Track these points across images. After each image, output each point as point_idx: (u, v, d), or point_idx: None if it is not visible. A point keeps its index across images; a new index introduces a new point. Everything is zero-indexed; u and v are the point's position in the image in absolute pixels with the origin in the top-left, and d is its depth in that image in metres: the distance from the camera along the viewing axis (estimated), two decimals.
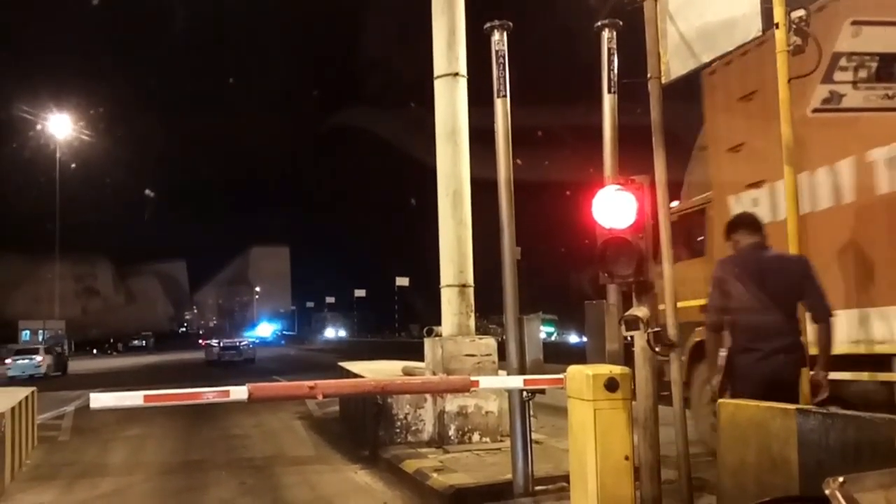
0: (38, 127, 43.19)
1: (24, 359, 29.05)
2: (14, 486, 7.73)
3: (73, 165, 44.51)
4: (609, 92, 6.05)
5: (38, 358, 29.10)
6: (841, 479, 1.02)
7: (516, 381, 6.21)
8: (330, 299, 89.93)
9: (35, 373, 28.24)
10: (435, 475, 7.13)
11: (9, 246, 45.84)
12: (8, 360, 29.28)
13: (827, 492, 0.99)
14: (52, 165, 43.01)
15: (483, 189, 9.03)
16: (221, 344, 36.62)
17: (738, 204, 6.53)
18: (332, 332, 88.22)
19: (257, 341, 49.61)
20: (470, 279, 9.14)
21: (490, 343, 9.02)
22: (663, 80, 5.63)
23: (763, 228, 4.99)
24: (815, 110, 4.89)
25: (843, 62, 4.82)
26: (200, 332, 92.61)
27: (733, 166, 6.84)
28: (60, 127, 44.63)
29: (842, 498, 0.95)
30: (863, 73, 4.84)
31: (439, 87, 9.13)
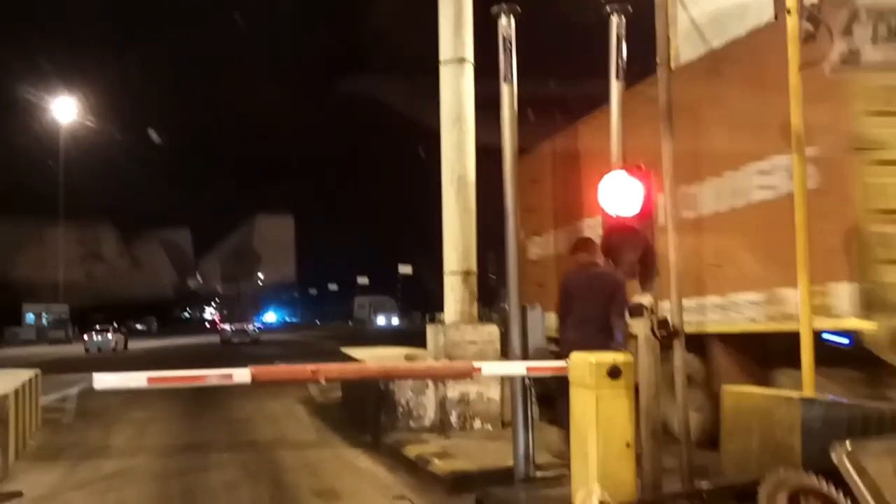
0: (41, 92, 43.08)
1: (99, 336, 35.81)
2: (18, 467, 7.77)
3: (76, 127, 44.19)
4: (617, 78, 6.01)
5: (110, 336, 36.08)
6: (848, 444, 1.00)
7: (519, 368, 6.20)
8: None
9: (107, 347, 34.90)
10: (436, 460, 7.15)
11: (12, 209, 45.34)
12: (86, 337, 36.19)
13: (834, 457, 0.98)
14: (55, 130, 42.89)
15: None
16: (233, 328, 44.60)
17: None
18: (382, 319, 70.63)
19: (262, 327, 56.96)
20: (473, 266, 9.13)
21: (493, 330, 9.01)
22: (673, 66, 5.58)
23: (597, 249, 6.01)
24: (834, 70, 4.58)
25: (862, 16, 4.59)
26: (205, 318, 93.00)
27: None
28: (65, 93, 44.62)
29: (850, 464, 0.94)
30: (882, 30, 4.61)
31: (445, 72, 9.08)
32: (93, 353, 33.29)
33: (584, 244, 6.73)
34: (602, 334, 6.10)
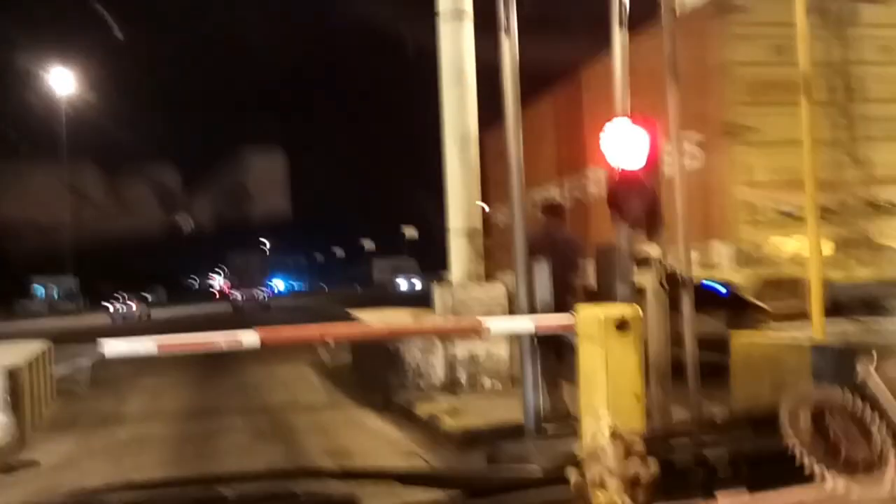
0: (28, 35, 42.42)
1: (123, 306, 37.77)
2: (35, 436, 7.87)
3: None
4: (620, 26, 5.87)
5: (134, 306, 38.01)
6: (875, 356, 0.96)
7: (527, 324, 6.19)
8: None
9: (132, 317, 36.50)
10: (446, 418, 7.20)
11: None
12: (111, 308, 38.00)
13: (860, 370, 0.94)
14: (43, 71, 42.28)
15: None
16: (244, 296, 47.10)
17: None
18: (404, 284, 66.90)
19: (272, 293, 59.37)
20: (478, 224, 9.08)
21: (499, 288, 9.00)
22: (677, 13, 5.45)
23: (563, 213, 6.91)
24: None
25: None
26: (211, 286, 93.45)
27: None
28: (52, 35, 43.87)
29: (878, 377, 0.90)
30: None
31: (444, 26, 8.92)
32: (118, 323, 34.22)
33: (556, 209, 7.35)
34: (566, 293, 6.48)
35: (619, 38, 5.84)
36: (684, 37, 5.45)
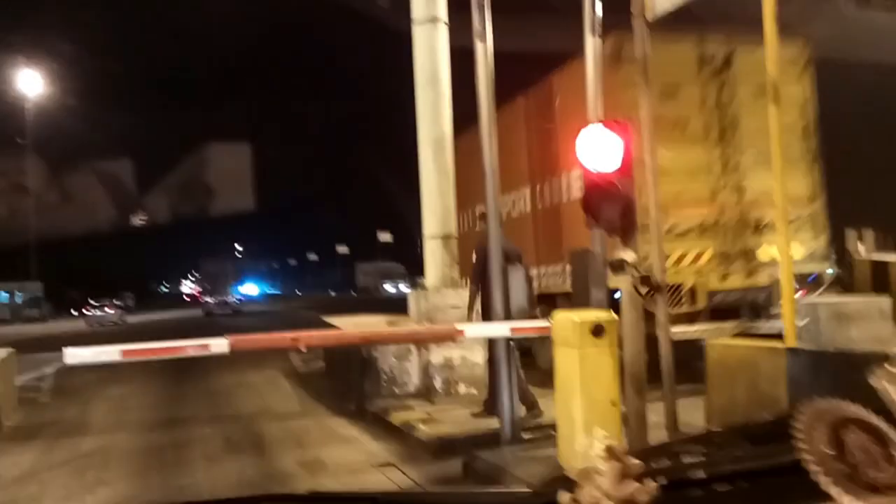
0: None
1: (100, 311, 38.21)
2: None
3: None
4: (592, 34, 5.87)
5: (111, 311, 38.58)
6: (888, 366, 0.91)
7: (502, 329, 6.15)
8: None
9: (108, 322, 36.74)
10: (422, 426, 7.11)
11: None
12: (87, 312, 38.50)
13: (874, 382, 0.89)
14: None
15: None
16: (215, 300, 48.20)
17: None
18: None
19: (243, 298, 61.27)
20: (453, 229, 9.03)
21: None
22: (649, 18, 5.46)
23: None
24: None
25: None
26: (182, 292, 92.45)
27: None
28: None
29: (891, 386, 0.85)
30: None
31: (418, 32, 8.87)
32: (96, 329, 34.32)
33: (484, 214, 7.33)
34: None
35: (591, 44, 5.84)
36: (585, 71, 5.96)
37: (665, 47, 7.24)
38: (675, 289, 8.10)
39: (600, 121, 5.31)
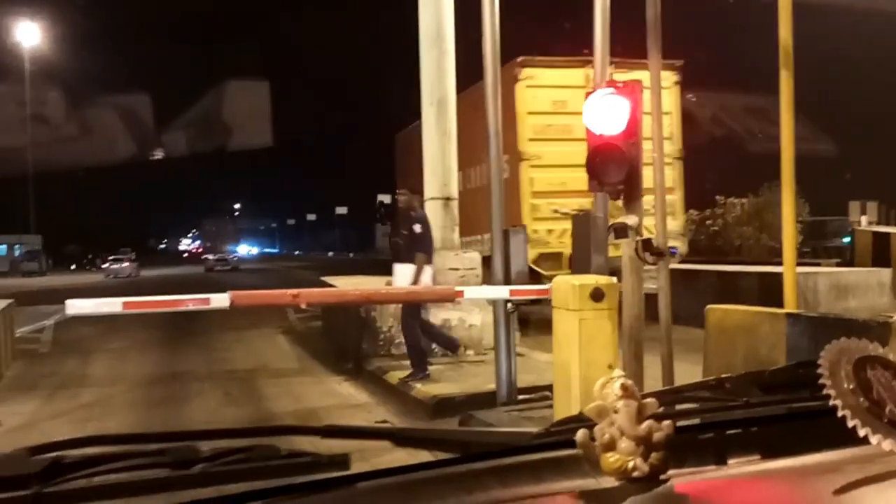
0: None
1: (115, 264, 42.16)
2: None
3: None
4: None
5: (126, 264, 42.46)
6: None
7: (501, 292, 6.16)
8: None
9: (123, 275, 40.45)
10: (419, 386, 7.16)
11: None
12: (104, 265, 43.11)
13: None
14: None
15: None
16: (215, 257, 53.77)
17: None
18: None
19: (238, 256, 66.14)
20: (454, 192, 8.98)
21: (475, 257, 8.96)
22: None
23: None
24: None
25: None
26: (180, 249, 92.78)
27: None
28: None
29: None
30: None
31: None
32: (110, 280, 37.78)
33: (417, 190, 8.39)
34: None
35: (599, 4, 5.74)
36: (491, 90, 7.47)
37: (558, 72, 11.07)
38: (554, 255, 11.33)
39: (607, 83, 5.24)
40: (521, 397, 6.41)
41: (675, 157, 11.77)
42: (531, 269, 10.42)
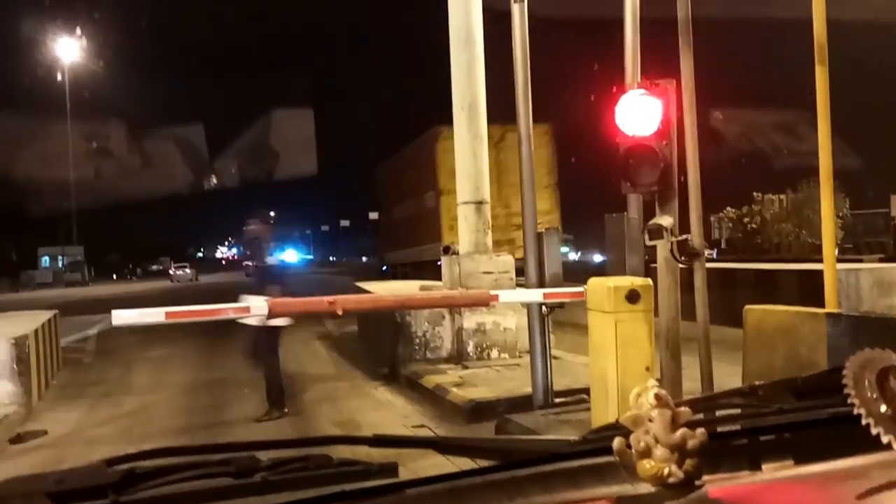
0: None
1: (180, 270, 50.55)
2: (42, 405, 7.90)
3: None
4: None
5: (188, 270, 50.80)
6: None
7: (536, 295, 6.16)
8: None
9: (185, 279, 47.81)
10: (454, 390, 7.19)
11: (16, 103, 44.08)
12: (171, 271, 51.11)
13: None
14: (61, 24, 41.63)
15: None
16: (254, 264, 60.01)
17: None
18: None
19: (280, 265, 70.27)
20: (486, 195, 9.01)
21: (508, 260, 8.97)
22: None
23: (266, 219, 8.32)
24: None
25: None
26: (217, 257, 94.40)
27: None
28: None
29: None
30: None
31: None
32: (176, 284, 44.36)
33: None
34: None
35: (630, 3, 5.73)
36: (421, 146, 17.61)
37: None
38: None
39: (639, 84, 5.22)
40: (557, 400, 6.41)
41: (553, 187, 18.38)
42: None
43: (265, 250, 7.40)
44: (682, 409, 0.80)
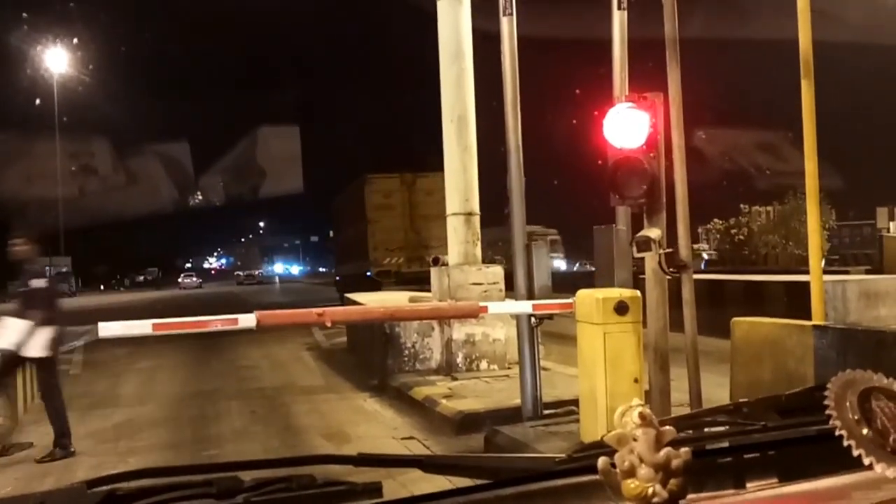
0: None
1: (188, 278, 58.62)
2: (27, 418, 7.83)
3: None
4: (619, 8, 5.81)
5: (195, 279, 59.58)
6: None
7: (525, 306, 6.17)
8: None
9: (192, 286, 54.92)
10: (444, 401, 7.18)
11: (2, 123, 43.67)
12: (179, 280, 58.35)
13: None
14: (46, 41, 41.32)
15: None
16: (244, 274, 68.15)
17: None
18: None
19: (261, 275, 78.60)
20: (476, 207, 9.03)
21: (497, 271, 8.98)
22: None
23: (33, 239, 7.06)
24: None
25: None
26: (205, 268, 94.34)
27: None
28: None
29: None
30: None
31: (442, 6, 8.82)
32: (184, 291, 50.06)
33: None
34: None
35: (618, 19, 5.78)
36: (356, 188, 23.19)
37: (385, 180, 21.54)
38: (389, 272, 21.27)
39: (627, 97, 5.26)
40: (546, 412, 6.40)
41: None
42: (372, 278, 21.13)
43: (29, 273, 6.53)
44: (667, 427, 0.81)
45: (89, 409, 8.36)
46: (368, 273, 21.33)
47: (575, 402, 5.72)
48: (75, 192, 47.60)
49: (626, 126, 5.00)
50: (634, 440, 0.78)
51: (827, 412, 0.80)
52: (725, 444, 0.90)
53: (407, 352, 8.83)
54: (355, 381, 9.28)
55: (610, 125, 5.03)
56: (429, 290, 13.98)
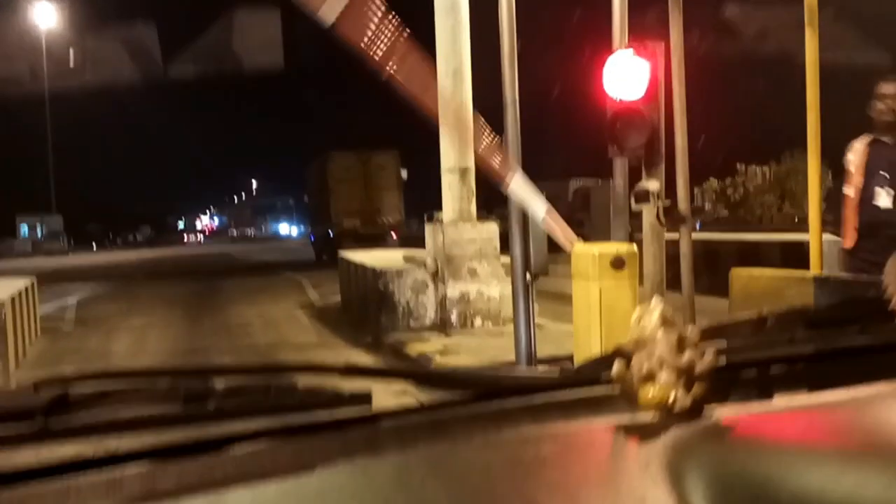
0: None
1: (193, 237, 63.47)
2: (19, 374, 7.78)
3: None
4: None
5: (200, 236, 67.20)
6: None
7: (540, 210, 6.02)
8: None
9: (195, 243, 60.65)
10: (438, 357, 7.17)
11: None
12: (185, 238, 65.78)
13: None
14: None
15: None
16: (238, 232, 78.43)
17: None
18: None
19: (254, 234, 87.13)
20: (471, 163, 8.90)
21: (492, 228, 8.89)
22: None
23: None
24: None
25: None
26: (196, 227, 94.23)
27: None
28: None
29: None
30: None
31: None
32: (186, 249, 51.67)
33: None
34: None
35: None
36: (322, 162, 26.91)
37: (343, 155, 25.60)
38: (351, 232, 23.56)
39: (627, 46, 5.12)
40: (540, 368, 6.38)
41: (400, 187, 25.70)
42: (333, 238, 23.88)
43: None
44: (691, 328, 0.73)
45: (82, 365, 8.32)
46: (330, 233, 25.01)
47: (570, 358, 5.69)
48: (26, 72, 45.09)
49: (625, 75, 4.88)
50: (655, 342, 0.71)
51: (884, 285, 0.73)
52: (751, 356, 0.82)
53: (401, 309, 8.79)
54: (349, 339, 9.25)
55: (610, 74, 4.91)
56: (386, 248, 16.61)
